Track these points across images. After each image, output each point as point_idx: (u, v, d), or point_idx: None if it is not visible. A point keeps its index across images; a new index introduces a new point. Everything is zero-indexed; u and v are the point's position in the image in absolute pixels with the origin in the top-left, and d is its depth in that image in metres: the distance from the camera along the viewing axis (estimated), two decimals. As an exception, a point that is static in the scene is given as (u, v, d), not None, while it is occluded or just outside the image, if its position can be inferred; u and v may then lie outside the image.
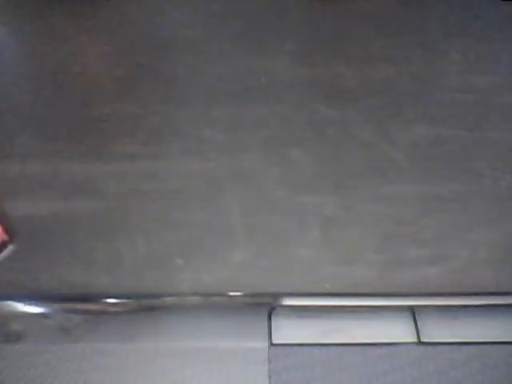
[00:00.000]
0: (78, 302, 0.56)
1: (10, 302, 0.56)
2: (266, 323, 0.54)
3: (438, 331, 0.54)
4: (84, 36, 0.76)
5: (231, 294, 0.56)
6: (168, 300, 0.56)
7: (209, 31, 0.76)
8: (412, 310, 0.55)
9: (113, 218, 0.60)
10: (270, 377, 0.51)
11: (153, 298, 0.56)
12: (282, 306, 0.56)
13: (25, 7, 0.78)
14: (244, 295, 0.56)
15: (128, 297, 0.56)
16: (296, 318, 0.55)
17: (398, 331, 0.54)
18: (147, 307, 0.56)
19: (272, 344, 0.53)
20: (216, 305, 0.56)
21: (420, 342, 0.54)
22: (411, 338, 0.54)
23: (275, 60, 0.72)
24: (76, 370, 0.52)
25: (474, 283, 0.56)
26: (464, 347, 0.54)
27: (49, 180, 0.62)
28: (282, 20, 0.77)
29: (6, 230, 0.57)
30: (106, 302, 0.56)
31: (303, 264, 0.57)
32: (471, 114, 0.68)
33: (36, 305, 0.56)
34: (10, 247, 0.56)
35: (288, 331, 0.54)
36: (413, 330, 0.54)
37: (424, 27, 0.77)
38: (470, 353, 0.53)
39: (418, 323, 0.54)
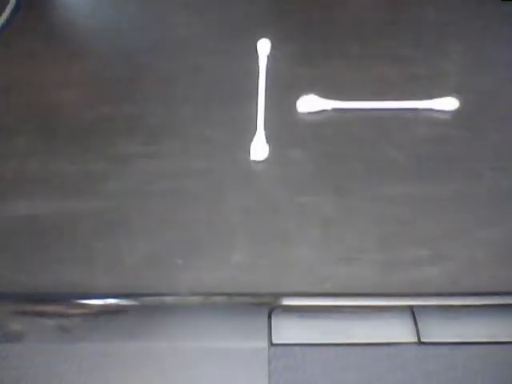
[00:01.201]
0: (78, 302, 0.56)
1: (9, 302, 0.56)
2: (266, 323, 0.54)
3: (438, 331, 0.54)
4: (83, 36, 0.76)
5: (231, 293, 0.56)
6: (168, 300, 0.56)
7: (209, 31, 0.76)
8: (412, 310, 0.55)
9: (113, 218, 0.60)
10: (269, 377, 0.51)
11: (153, 298, 0.56)
12: (282, 306, 0.56)
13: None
14: (244, 295, 0.56)
15: (128, 297, 0.56)
16: (296, 318, 0.55)
17: (398, 331, 0.54)
18: (147, 307, 0.56)
19: (272, 344, 0.53)
20: (216, 305, 0.56)
21: (420, 342, 0.54)
22: (411, 338, 0.54)
23: (275, 60, 0.72)
24: (76, 369, 0.52)
25: (474, 283, 0.56)
26: (464, 347, 0.54)
27: (49, 180, 0.62)
28: (282, 20, 0.77)
29: None
30: (106, 302, 0.56)
31: (303, 264, 0.57)
32: (471, 114, 0.68)
33: (36, 305, 0.56)
34: None
35: (288, 331, 0.54)
36: (413, 330, 0.54)
37: (424, 27, 0.77)
38: (470, 353, 0.53)
39: (418, 323, 0.54)
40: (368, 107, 0.67)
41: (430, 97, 0.68)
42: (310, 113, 0.67)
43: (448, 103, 0.67)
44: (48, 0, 0.80)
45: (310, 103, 0.67)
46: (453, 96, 0.68)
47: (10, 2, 0.76)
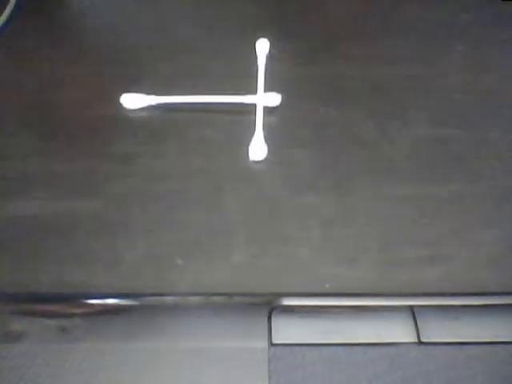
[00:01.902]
0: (78, 302, 0.56)
1: (10, 302, 0.56)
2: (266, 323, 0.54)
3: (438, 331, 0.54)
4: (83, 35, 0.76)
5: (231, 293, 0.56)
6: (168, 300, 0.56)
7: (207, 30, 0.76)
8: (412, 310, 0.55)
9: (113, 218, 0.60)
10: (270, 377, 0.51)
11: (153, 298, 0.56)
12: (282, 306, 0.56)
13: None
14: (244, 295, 0.56)
15: (128, 297, 0.56)
16: (296, 318, 0.55)
17: (398, 331, 0.54)
18: (147, 307, 0.56)
19: (272, 344, 0.53)
20: (216, 305, 0.56)
21: (420, 342, 0.54)
22: (411, 338, 0.54)
23: (275, 60, 0.72)
24: (76, 370, 0.52)
25: (475, 283, 0.56)
26: (464, 347, 0.53)
27: (49, 180, 0.62)
28: (281, 19, 0.77)
29: None
30: (106, 302, 0.56)
31: (303, 264, 0.57)
32: (471, 114, 0.68)
33: (36, 305, 0.56)
34: None
35: (288, 331, 0.54)
36: (413, 330, 0.54)
37: (424, 27, 0.77)
38: (470, 353, 0.53)
39: (418, 323, 0.54)
40: (192, 101, 0.67)
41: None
42: (135, 109, 0.67)
43: (272, 98, 0.67)
44: (48, 0, 0.80)
45: (134, 100, 0.67)
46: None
47: (10, 2, 0.76)
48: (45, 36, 0.75)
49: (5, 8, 0.75)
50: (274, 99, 0.67)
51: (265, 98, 0.67)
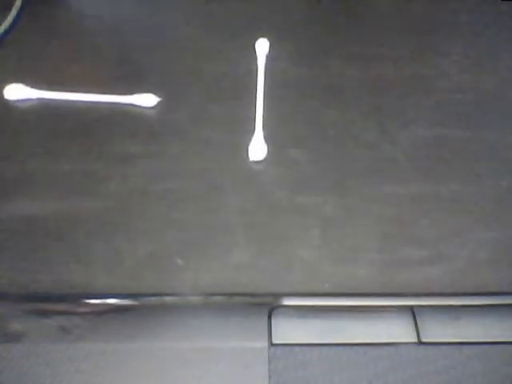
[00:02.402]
0: (78, 302, 0.56)
1: (9, 302, 0.56)
2: (265, 323, 0.54)
3: (438, 331, 0.54)
4: (83, 35, 0.76)
5: (231, 293, 0.56)
6: (168, 300, 0.56)
7: (207, 30, 0.76)
8: (412, 310, 0.55)
9: (113, 218, 0.60)
10: (270, 377, 0.51)
11: (153, 298, 0.56)
12: (282, 306, 0.56)
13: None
14: (244, 295, 0.56)
15: (128, 297, 0.56)
16: (296, 318, 0.55)
17: (398, 331, 0.54)
18: (147, 307, 0.56)
19: (272, 344, 0.53)
20: (216, 305, 0.56)
21: (420, 342, 0.54)
22: (411, 338, 0.54)
23: (275, 60, 0.72)
24: (76, 370, 0.52)
25: (475, 283, 0.56)
26: (464, 347, 0.54)
27: (49, 180, 0.62)
28: (282, 20, 0.77)
29: None
30: (106, 302, 0.56)
31: (303, 264, 0.57)
32: (471, 114, 0.68)
33: (36, 305, 0.56)
34: None
35: (288, 331, 0.54)
36: (413, 329, 0.54)
37: (424, 27, 0.77)
38: (471, 353, 0.53)
39: (418, 323, 0.54)
40: (72, 99, 0.68)
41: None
42: (17, 100, 0.68)
43: (148, 99, 0.68)
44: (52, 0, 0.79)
45: (17, 91, 0.68)
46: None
47: (16, 4, 0.76)
48: (48, 36, 0.75)
49: (11, 8, 0.75)
50: (149, 100, 0.68)
51: (140, 99, 0.68)
